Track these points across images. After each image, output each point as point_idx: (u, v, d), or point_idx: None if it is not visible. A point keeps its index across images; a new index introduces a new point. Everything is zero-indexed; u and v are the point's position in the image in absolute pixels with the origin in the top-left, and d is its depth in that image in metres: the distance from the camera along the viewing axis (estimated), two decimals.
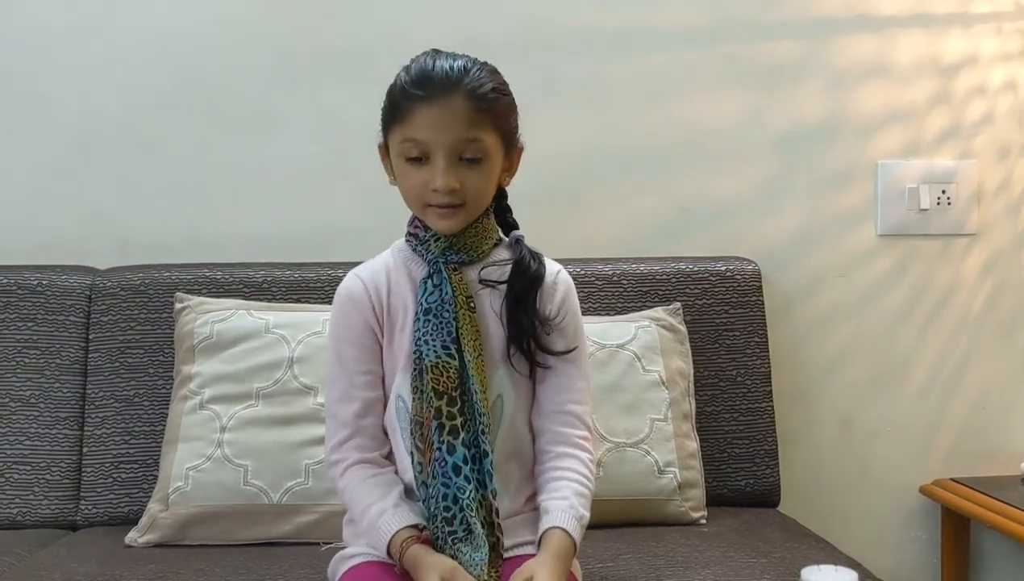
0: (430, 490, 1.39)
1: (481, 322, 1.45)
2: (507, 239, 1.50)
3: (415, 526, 1.39)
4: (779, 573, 1.57)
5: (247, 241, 2.13)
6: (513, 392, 1.47)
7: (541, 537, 1.38)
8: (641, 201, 2.21)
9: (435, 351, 1.41)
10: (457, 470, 1.38)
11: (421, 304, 1.43)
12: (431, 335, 1.42)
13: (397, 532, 1.38)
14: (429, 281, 1.44)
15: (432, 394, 1.40)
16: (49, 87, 2.13)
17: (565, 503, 1.40)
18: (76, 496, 1.91)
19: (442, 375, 1.40)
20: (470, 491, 1.37)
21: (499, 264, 1.47)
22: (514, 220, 1.52)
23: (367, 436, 1.46)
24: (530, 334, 1.45)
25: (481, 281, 1.46)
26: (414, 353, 1.43)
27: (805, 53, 2.22)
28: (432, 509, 1.39)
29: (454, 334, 1.42)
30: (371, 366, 1.47)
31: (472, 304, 1.44)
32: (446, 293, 1.43)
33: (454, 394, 1.40)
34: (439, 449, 1.39)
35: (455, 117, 1.37)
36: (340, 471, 1.45)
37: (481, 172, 1.40)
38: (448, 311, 1.42)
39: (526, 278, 1.46)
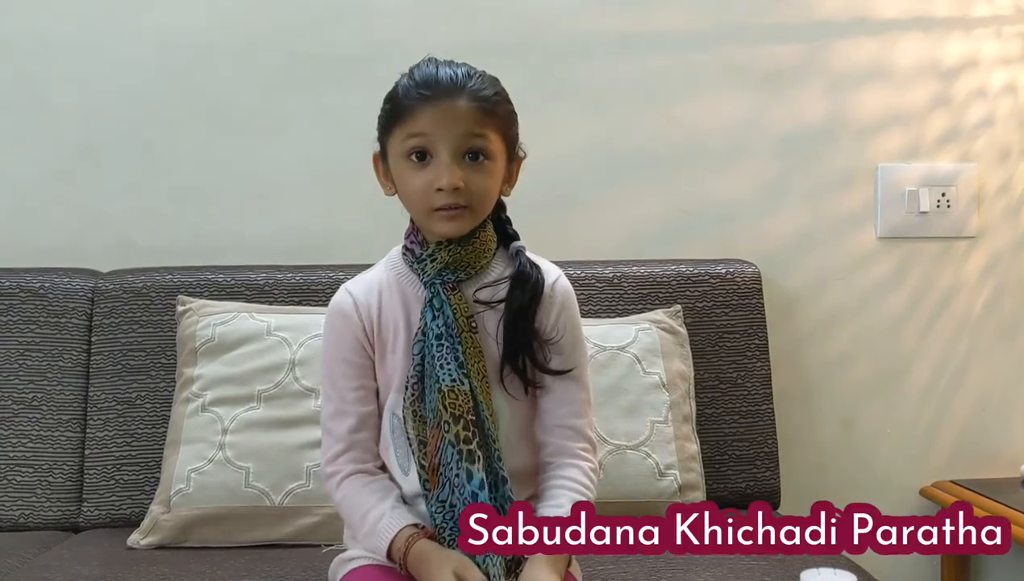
0: (445, 514, 1.38)
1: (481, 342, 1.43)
2: (507, 250, 1.48)
3: (415, 525, 1.38)
4: (779, 575, 1.58)
5: (249, 244, 2.13)
6: (508, 410, 1.45)
7: None
8: (642, 204, 2.21)
9: (450, 375, 1.39)
10: (475, 497, 1.36)
11: (432, 330, 1.41)
12: (445, 359, 1.39)
13: (399, 531, 1.37)
14: (431, 305, 1.42)
15: (450, 420, 1.38)
16: (52, 91, 2.14)
17: (560, 511, 1.38)
18: (78, 498, 1.92)
19: (457, 399, 1.38)
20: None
21: (495, 285, 1.45)
22: (514, 231, 1.49)
23: (361, 449, 1.45)
24: (526, 352, 1.43)
25: (476, 301, 1.44)
26: (413, 376, 1.41)
27: (805, 56, 2.22)
28: (447, 534, 1.38)
29: (460, 358, 1.40)
30: (363, 381, 1.46)
31: (473, 324, 1.43)
32: (448, 316, 1.41)
33: (469, 418, 1.38)
34: (458, 476, 1.37)
35: (460, 115, 1.36)
36: (336, 483, 1.45)
37: (486, 172, 1.39)
38: (454, 334, 1.40)
39: (524, 293, 1.43)
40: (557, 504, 1.40)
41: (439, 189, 1.36)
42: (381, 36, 2.14)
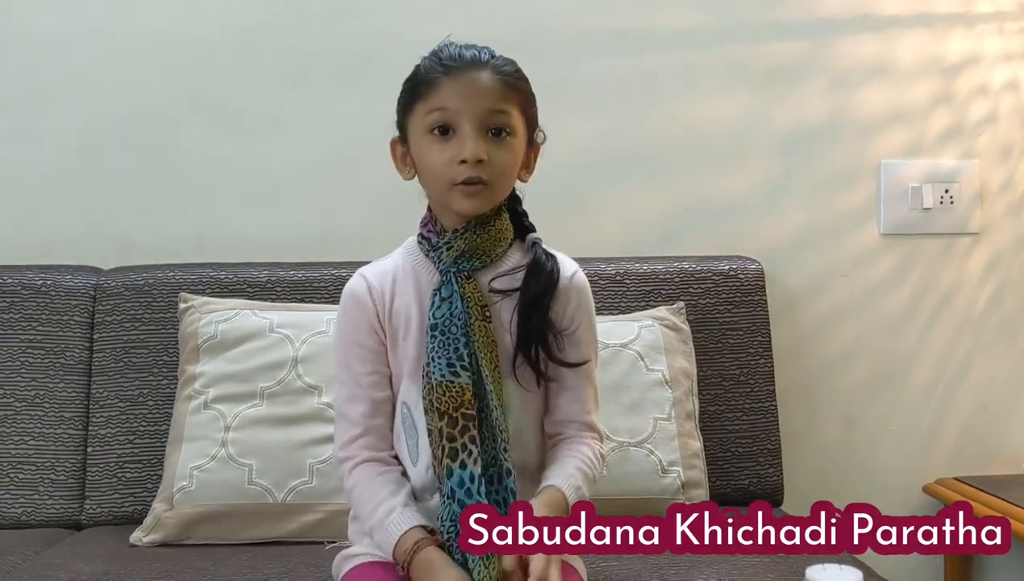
0: (444, 503, 1.37)
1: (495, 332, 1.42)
2: (523, 242, 1.47)
3: (425, 527, 1.37)
4: (783, 572, 1.58)
5: (251, 241, 2.13)
6: (520, 402, 1.44)
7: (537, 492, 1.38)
8: (644, 201, 2.21)
9: (440, 369, 1.38)
10: (452, 495, 1.35)
11: (429, 318, 1.40)
12: (437, 352, 1.38)
13: (407, 532, 1.36)
14: (438, 294, 1.41)
15: (435, 414, 1.37)
16: (54, 89, 2.14)
17: (564, 471, 1.39)
18: (81, 496, 1.92)
19: (444, 395, 1.37)
20: None
21: (511, 273, 1.44)
22: (531, 224, 1.49)
23: (376, 435, 1.44)
24: (540, 342, 1.42)
25: (491, 291, 1.43)
26: (425, 366, 1.40)
27: (808, 53, 2.22)
28: (441, 521, 1.37)
29: (460, 351, 1.38)
30: (377, 366, 1.45)
31: (487, 314, 1.41)
32: (455, 306, 1.39)
33: (455, 414, 1.36)
34: (444, 469, 1.36)
35: (483, 88, 1.36)
36: (349, 468, 1.43)
37: (508, 148, 1.38)
38: (456, 326, 1.38)
39: (539, 283, 1.42)
40: (563, 472, 1.40)
41: (462, 161, 1.35)
42: (381, 35, 2.14)
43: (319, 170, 2.16)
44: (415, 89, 1.39)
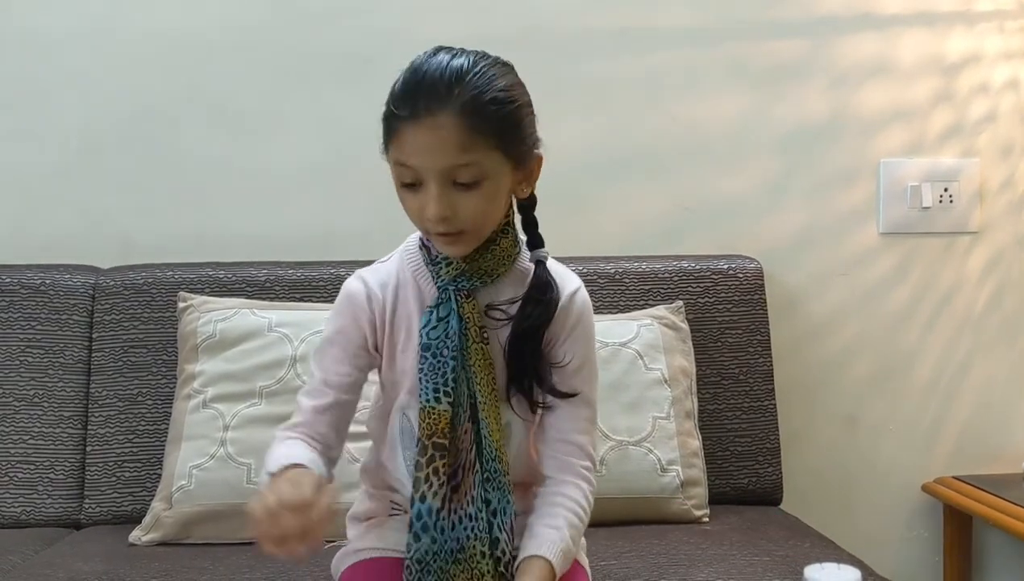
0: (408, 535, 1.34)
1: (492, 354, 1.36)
2: (528, 255, 1.39)
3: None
4: (782, 571, 1.58)
5: (250, 240, 2.13)
6: (520, 423, 1.40)
7: (523, 561, 1.31)
8: (644, 200, 2.21)
9: (426, 394, 1.32)
10: (411, 526, 1.32)
11: (421, 337, 1.33)
12: (426, 375, 1.32)
13: (294, 463, 1.24)
14: (435, 312, 1.34)
15: (412, 439, 1.34)
16: (53, 88, 2.14)
17: (556, 534, 1.32)
18: (80, 495, 1.92)
19: (424, 420, 1.32)
20: (429, 548, 1.31)
21: (509, 303, 1.36)
22: (540, 236, 1.39)
23: (316, 432, 1.33)
24: (533, 376, 1.36)
25: (488, 316, 1.36)
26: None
27: (808, 52, 2.22)
28: (435, 549, 1.33)
29: (447, 376, 1.32)
30: (351, 370, 1.37)
31: (485, 335, 1.34)
32: (451, 327, 1.33)
33: (426, 442, 1.31)
34: (409, 499, 1.33)
35: (444, 141, 1.23)
36: (276, 442, 1.32)
37: (479, 196, 1.27)
38: (448, 349, 1.32)
39: (535, 314, 1.34)
40: (554, 526, 1.34)
41: (428, 219, 1.27)
42: (380, 33, 2.14)
43: (319, 170, 2.16)
44: (387, 125, 1.28)
